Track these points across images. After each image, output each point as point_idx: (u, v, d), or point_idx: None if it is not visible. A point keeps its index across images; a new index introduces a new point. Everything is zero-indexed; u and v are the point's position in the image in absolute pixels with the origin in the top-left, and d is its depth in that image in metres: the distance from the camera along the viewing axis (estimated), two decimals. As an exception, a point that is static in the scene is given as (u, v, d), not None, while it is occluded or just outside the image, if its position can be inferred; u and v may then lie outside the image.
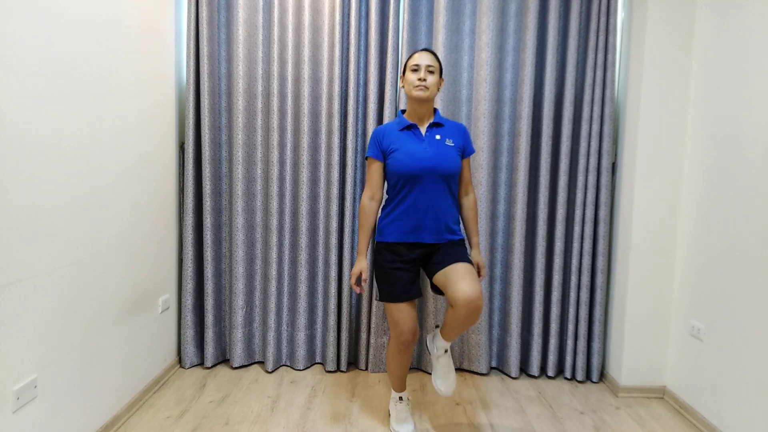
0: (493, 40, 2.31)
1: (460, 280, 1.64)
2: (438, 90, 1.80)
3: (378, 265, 1.83)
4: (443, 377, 1.81)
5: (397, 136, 1.79)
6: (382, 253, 1.82)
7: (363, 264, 1.83)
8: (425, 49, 1.80)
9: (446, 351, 1.82)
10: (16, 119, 1.37)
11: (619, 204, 2.35)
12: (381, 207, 1.89)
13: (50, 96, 1.50)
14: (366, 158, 1.86)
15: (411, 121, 1.81)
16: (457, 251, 1.78)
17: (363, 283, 1.84)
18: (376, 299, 1.92)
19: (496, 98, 2.37)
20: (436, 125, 1.82)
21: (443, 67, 2.31)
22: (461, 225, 1.96)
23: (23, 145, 1.40)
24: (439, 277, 1.74)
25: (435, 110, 1.85)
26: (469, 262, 1.77)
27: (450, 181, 1.79)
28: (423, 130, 1.80)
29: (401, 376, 1.92)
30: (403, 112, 1.87)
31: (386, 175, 1.84)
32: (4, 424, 1.36)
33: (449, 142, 1.79)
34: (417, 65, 1.75)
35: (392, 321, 1.80)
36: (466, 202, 1.92)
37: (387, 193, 1.87)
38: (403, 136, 1.79)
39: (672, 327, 2.25)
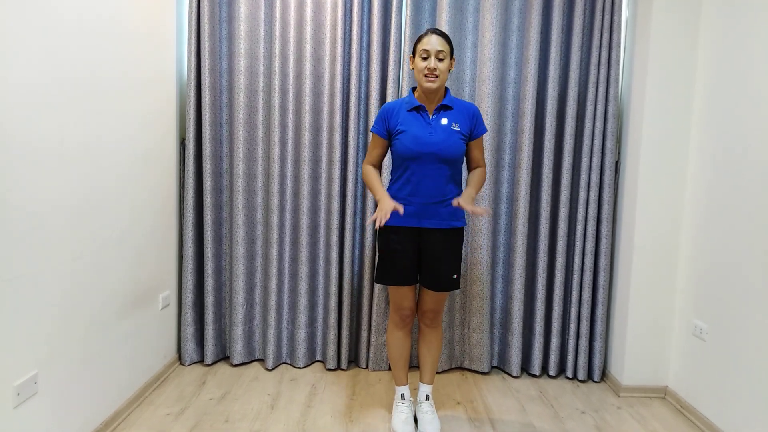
0: (497, 37, 2.29)
1: (429, 299, 1.89)
2: (450, 71, 1.79)
3: (382, 248, 1.85)
4: (429, 421, 1.91)
5: (404, 117, 1.79)
6: (384, 234, 1.84)
7: (393, 201, 1.69)
8: (435, 31, 1.74)
9: (427, 397, 1.97)
10: (19, 118, 1.36)
11: (622, 203, 2.34)
12: (387, 187, 1.89)
13: (52, 95, 1.49)
14: (371, 132, 1.88)
15: (420, 102, 1.79)
16: (445, 264, 1.82)
17: (400, 211, 1.67)
18: (375, 281, 1.94)
19: (499, 95, 2.35)
20: (444, 108, 1.79)
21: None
22: (463, 210, 1.87)
23: (26, 143, 1.39)
24: (420, 289, 1.92)
25: (446, 90, 1.83)
26: (455, 273, 1.85)
27: (453, 167, 1.80)
28: (431, 112, 1.79)
29: (401, 361, 1.93)
30: (414, 89, 1.85)
31: (392, 154, 1.85)
32: (4, 419, 1.36)
33: (455, 127, 1.78)
34: (427, 51, 1.71)
35: (391, 296, 1.88)
36: (474, 172, 1.88)
37: (391, 173, 1.89)
38: (410, 117, 1.79)
39: (675, 327, 2.24)
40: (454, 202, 1.71)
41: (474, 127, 1.83)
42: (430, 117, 1.78)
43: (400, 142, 1.77)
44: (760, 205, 1.76)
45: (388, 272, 1.84)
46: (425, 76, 1.71)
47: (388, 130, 1.82)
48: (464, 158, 1.88)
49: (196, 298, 2.45)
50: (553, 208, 2.40)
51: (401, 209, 1.66)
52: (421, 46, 1.72)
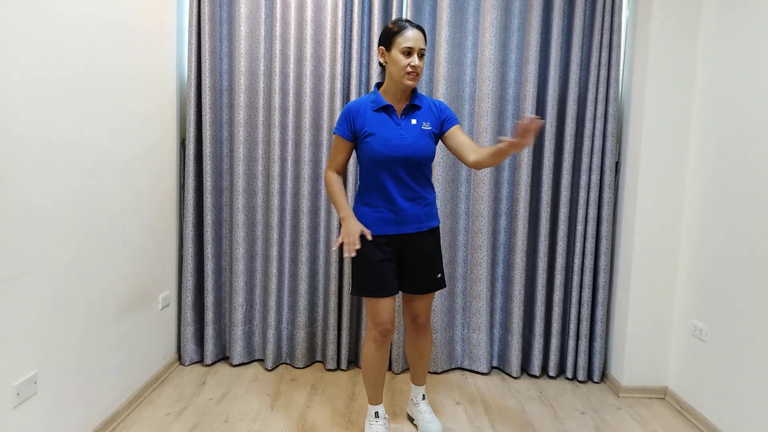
0: (497, 38, 2.30)
1: (417, 306, 1.83)
2: None
3: (364, 259, 1.70)
4: (430, 420, 1.90)
5: (371, 118, 1.67)
6: (364, 245, 1.69)
7: (358, 224, 1.68)
8: (415, 25, 1.63)
9: (423, 397, 1.96)
10: (18, 116, 1.36)
11: (622, 203, 2.34)
12: (356, 193, 1.81)
13: (51, 93, 1.49)
14: (333, 134, 1.71)
15: (387, 102, 1.68)
16: (429, 266, 1.79)
17: (367, 237, 1.66)
18: (351, 294, 1.82)
19: (500, 96, 2.35)
20: (413, 107, 1.70)
21: (447, 62, 2.29)
22: (436, 208, 1.84)
23: (24, 141, 1.39)
24: (404, 296, 1.86)
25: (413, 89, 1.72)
26: (439, 272, 1.81)
27: (426, 167, 1.73)
28: (399, 112, 1.69)
29: (378, 381, 1.82)
30: (378, 85, 1.73)
31: (359, 158, 1.73)
32: (4, 419, 1.35)
33: (426, 126, 1.70)
34: (411, 48, 1.59)
35: (373, 312, 1.73)
36: (476, 157, 1.64)
37: (360, 178, 1.77)
38: (377, 118, 1.67)
39: (674, 327, 2.24)
40: (513, 142, 1.44)
41: (444, 120, 1.73)
42: (399, 117, 1.69)
43: (369, 146, 1.66)
44: (759, 207, 1.76)
45: (369, 283, 1.71)
46: (407, 74, 1.61)
47: (353, 131, 1.69)
48: (434, 157, 1.76)
49: (195, 299, 2.45)
50: (553, 208, 2.41)
51: (369, 234, 1.65)
52: (403, 42, 1.59)
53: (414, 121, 1.69)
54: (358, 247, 1.62)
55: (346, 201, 1.73)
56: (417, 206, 1.73)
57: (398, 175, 1.68)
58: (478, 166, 1.66)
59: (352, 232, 1.64)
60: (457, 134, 1.73)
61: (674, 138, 2.17)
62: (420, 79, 1.69)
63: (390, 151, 1.65)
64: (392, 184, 1.68)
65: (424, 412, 1.92)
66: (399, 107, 1.70)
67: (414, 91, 1.73)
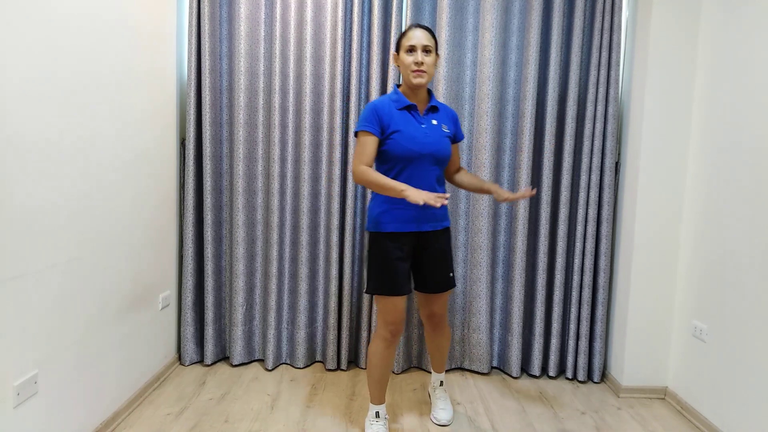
0: (497, 38, 2.30)
1: (435, 304, 1.89)
2: (435, 68, 1.74)
3: (380, 257, 1.73)
4: (442, 408, 1.96)
5: (396, 116, 1.71)
6: (382, 242, 1.73)
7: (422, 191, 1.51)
8: (419, 25, 1.69)
9: (441, 383, 2.03)
10: (17, 116, 1.36)
11: (622, 203, 2.34)
12: (373, 193, 1.81)
13: (51, 92, 1.49)
14: (358, 132, 1.69)
15: (411, 101, 1.74)
16: (445, 264, 1.85)
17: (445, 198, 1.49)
18: (366, 292, 1.81)
19: (499, 96, 2.35)
20: (433, 109, 1.78)
21: (446, 62, 2.30)
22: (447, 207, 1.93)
23: (24, 141, 1.39)
24: (421, 295, 1.91)
25: (430, 91, 1.81)
26: (451, 271, 1.87)
27: (442, 167, 1.80)
28: (421, 111, 1.76)
29: (383, 380, 1.82)
30: (398, 86, 1.78)
31: (381, 157, 1.73)
32: (4, 419, 1.36)
33: (445, 128, 1.78)
34: (413, 46, 1.66)
35: (384, 310, 1.75)
36: (460, 175, 1.94)
37: None
38: (402, 116, 1.72)
39: (674, 328, 2.24)
40: (503, 198, 1.75)
41: (456, 132, 1.88)
42: (422, 117, 1.75)
43: (395, 143, 1.68)
44: (760, 207, 1.76)
45: (386, 281, 1.72)
46: (413, 71, 1.66)
47: (382, 127, 1.70)
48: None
49: (196, 298, 2.45)
50: (553, 208, 2.41)
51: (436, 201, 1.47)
52: (406, 42, 1.67)
53: (435, 122, 1.76)
54: (448, 195, 1.49)
55: (388, 179, 1.59)
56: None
57: (423, 172, 1.73)
58: (454, 183, 1.96)
59: (425, 192, 1.48)
60: (456, 150, 1.93)
61: (674, 138, 2.17)
62: (431, 76, 1.72)
63: (417, 148, 1.69)
64: (417, 182, 1.72)
65: (438, 398, 1.99)
66: (420, 108, 1.77)
67: (431, 95, 1.80)
